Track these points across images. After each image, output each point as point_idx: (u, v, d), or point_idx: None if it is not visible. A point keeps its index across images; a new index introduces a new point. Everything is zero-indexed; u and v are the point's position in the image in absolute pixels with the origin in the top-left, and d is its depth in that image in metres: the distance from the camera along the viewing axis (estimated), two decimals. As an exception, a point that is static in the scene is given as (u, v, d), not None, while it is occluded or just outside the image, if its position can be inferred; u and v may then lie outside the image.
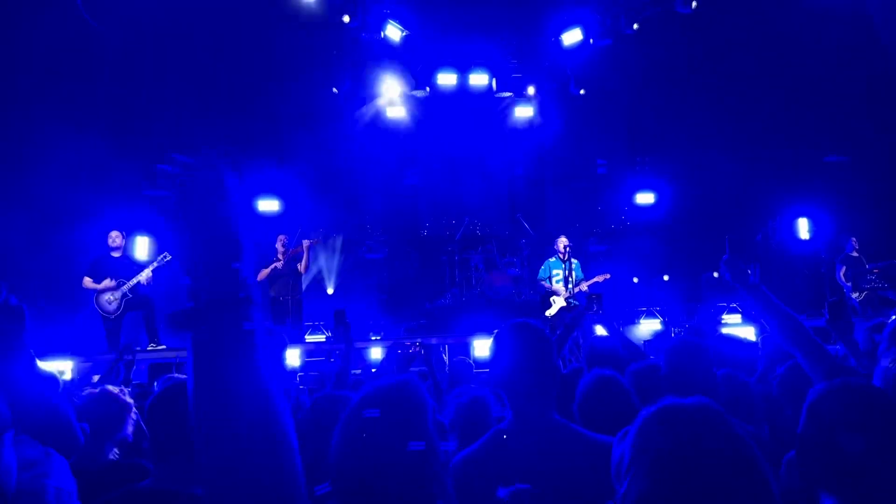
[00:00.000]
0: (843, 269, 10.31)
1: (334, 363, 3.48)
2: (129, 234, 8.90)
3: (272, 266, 9.13)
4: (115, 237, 8.38)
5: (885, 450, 1.67)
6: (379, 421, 1.40)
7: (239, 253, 1.07)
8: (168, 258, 8.52)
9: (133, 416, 3.07)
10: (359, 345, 8.87)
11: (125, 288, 8.25)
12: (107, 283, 8.18)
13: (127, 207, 9.91)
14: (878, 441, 1.68)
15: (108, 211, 9.59)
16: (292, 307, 8.95)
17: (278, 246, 9.40)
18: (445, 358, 8.13)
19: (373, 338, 10.38)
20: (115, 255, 8.37)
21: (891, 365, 2.14)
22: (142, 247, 10.00)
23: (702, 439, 1.14)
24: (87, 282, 8.14)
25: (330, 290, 12.01)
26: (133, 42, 10.21)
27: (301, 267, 9.18)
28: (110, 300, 8.16)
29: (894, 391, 2.03)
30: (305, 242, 9.09)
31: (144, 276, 8.31)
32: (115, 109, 10.43)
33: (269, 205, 11.78)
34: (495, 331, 2.21)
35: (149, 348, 8.23)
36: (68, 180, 9.37)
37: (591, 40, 12.36)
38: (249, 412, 0.99)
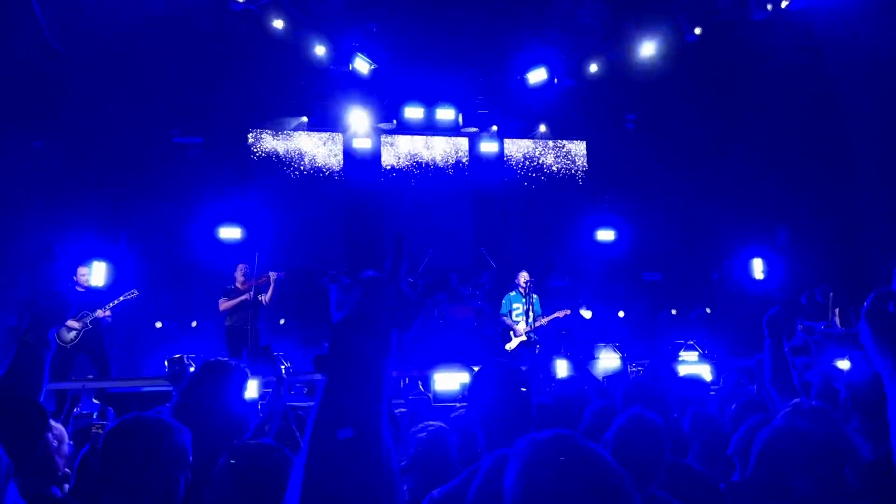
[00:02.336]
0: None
1: (265, 402, 3.44)
2: (85, 260, 8.77)
3: (240, 299, 8.99)
4: (83, 273, 8.40)
5: (830, 491, 1.76)
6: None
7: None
8: (135, 294, 8.46)
9: (66, 449, 3.01)
10: (318, 376, 8.78)
11: (87, 320, 8.16)
12: (74, 324, 8.11)
13: (82, 234, 9.78)
14: (825, 483, 1.77)
15: (65, 237, 9.47)
16: (250, 337, 8.81)
17: (237, 275, 9.29)
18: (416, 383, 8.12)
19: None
20: (80, 289, 8.35)
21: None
22: (98, 273, 9.86)
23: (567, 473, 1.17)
24: None
25: (282, 321, 11.80)
26: (97, 66, 10.14)
27: (265, 299, 9.06)
28: (69, 328, 8.05)
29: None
30: (272, 275, 8.97)
31: (106, 309, 8.31)
32: (76, 136, 10.30)
33: (230, 232, 11.68)
34: (476, 367, 2.25)
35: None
36: (22, 204, 9.22)
37: (556, 80, 12.64)
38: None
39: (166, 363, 7.63)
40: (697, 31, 11.66)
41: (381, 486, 0.97)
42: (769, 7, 11.05)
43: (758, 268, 12.21)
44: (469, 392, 2.25)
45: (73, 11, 9.51)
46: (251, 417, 2.57)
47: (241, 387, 2.54)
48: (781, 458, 1.89)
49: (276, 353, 3.54)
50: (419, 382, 8.35)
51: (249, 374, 2.64)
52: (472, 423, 2.26)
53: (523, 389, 2.14)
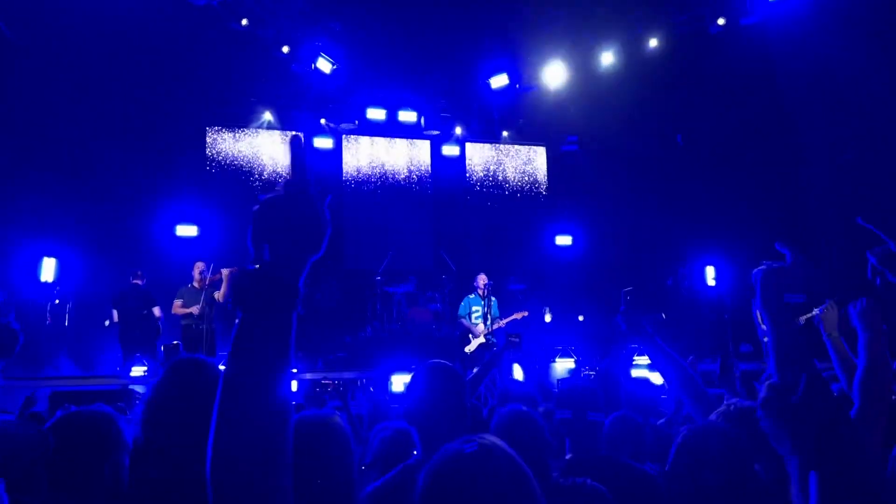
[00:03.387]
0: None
1: None
2: (38, 256, 8.65)
3: (189, 311, 8.90)
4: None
5: (738, 484, 1.89)
6: (302, 455, 1.43)
7: (318, 248, 1.12)
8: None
9: None
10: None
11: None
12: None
13: (33, 230, 9.59)
14: (733, 477, 1.90)
15: (15, 233, 9.30)
16: (206, 335, 8.71)
17: (195, 273, 9.19)
18: (371, 389, 8.11)
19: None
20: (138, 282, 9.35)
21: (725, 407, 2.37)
22: (48, 268, 9.71)
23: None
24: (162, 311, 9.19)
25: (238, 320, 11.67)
26: (50, 57, 9.89)
27: (219, 296, 8.98)
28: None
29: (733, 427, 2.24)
30: (224, 272, 8.89)
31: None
32: (26, 129, 10.04)
33: (186, 230, 11.50)
34: (412, 368, 2.28)
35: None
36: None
37: (518, 86, 12.78)
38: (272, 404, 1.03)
39: (162, 348, 7.66)
40: (654, 42, 11.96)
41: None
42: (722, 22, 11.40)
43: (710, 274, 12.52)
44: (405, 392, 2.29)
45: (28, -1, 9.29)
46: None
47: (216, 386, 2.52)
48: (695, 453, 2.00)
49: None
50: (370, 387, 8.33)
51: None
52: (407, 422, 2.28)
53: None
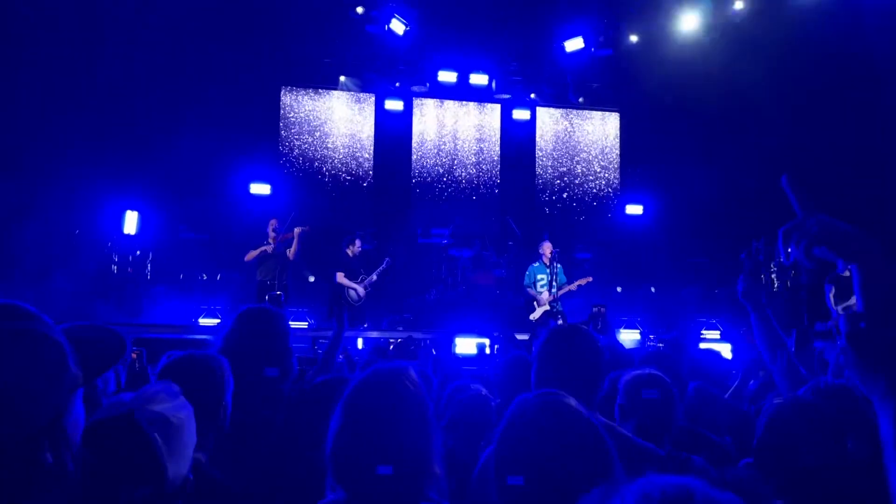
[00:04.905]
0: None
1: (322, 347, 3.56)
2: (122, 210, 9.05)
3: (261, 249, 9.15)
4: (358, 245, 9.74)
5: (832, 462, 1.82)
6: (379, 403, 1.47)
7: None
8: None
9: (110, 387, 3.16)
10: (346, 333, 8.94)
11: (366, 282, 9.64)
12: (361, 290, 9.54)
13: (117, 184, 10.02)
14: (827, 455, 1.84)
15: (99, 186, 9.75)
16: (278, 291, 8.98)
17: (269, 230, 9.44)
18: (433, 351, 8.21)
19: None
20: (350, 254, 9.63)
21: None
22: (131, 221, 10.20)
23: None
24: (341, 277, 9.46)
25: (311, 279, 12.00)
26: (134, 22, 10.22)
27: (290, 253, 9.21)
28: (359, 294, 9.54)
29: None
30: (297, 230, 9.12)
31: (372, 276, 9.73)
32: (113, 89, 10.42)
33: (260, 188, 11.82)
34: (543, 332, 2.29)
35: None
36: (56, 156, 9.47)
37: (593, 49, 12.46)
38: None
39: (266, 298, 8.11)
40: (739, 4, 11.42)
41: None
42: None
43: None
44: (537, 358, 2.29)
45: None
46: (294, 363, 2.64)
47: (285, 333, 2.62)
48: (788, 428, 1.95)
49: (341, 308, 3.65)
50: (433, 348, 8.41)
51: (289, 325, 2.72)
52: (537, 388, 2.28)
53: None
